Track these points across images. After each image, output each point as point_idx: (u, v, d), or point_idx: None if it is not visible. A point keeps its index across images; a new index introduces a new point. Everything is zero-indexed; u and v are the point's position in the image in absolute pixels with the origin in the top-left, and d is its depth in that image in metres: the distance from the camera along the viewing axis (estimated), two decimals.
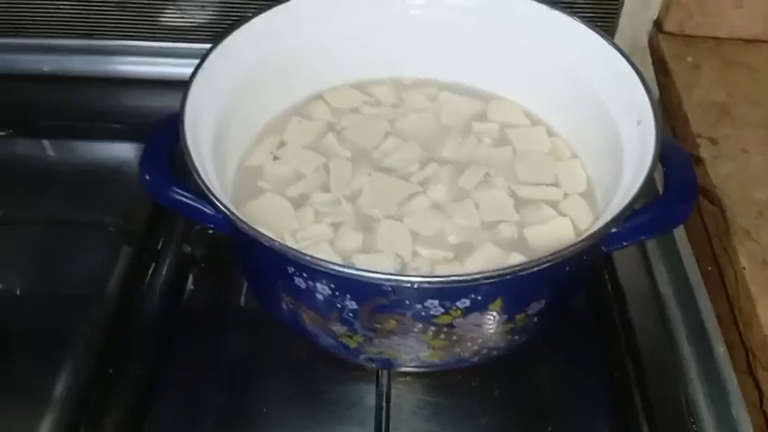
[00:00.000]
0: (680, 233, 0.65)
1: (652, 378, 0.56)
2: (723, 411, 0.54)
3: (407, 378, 0.56)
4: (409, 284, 0.41)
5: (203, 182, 0.44)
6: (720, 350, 0.57)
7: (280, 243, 0.41)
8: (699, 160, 0.64)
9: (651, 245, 0.64)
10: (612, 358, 0.58)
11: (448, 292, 0.42)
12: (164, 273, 0.62)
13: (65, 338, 0.57)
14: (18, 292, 0.61)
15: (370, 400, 0.54)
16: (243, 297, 0.62)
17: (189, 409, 0.55)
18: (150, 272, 0.62)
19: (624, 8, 0.72)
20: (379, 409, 0.53)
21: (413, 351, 0.48)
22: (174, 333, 0.60)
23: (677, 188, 0.49)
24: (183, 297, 0.62)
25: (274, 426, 0.54)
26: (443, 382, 0.56)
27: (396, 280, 0.40)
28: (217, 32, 0.67)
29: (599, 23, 0.73)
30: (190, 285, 0.63)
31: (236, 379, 0.57)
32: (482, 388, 0.56)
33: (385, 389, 0.54)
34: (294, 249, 0.41)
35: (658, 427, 0.53)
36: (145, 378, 0.57)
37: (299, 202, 0.55)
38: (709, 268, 0.62)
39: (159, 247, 0.64)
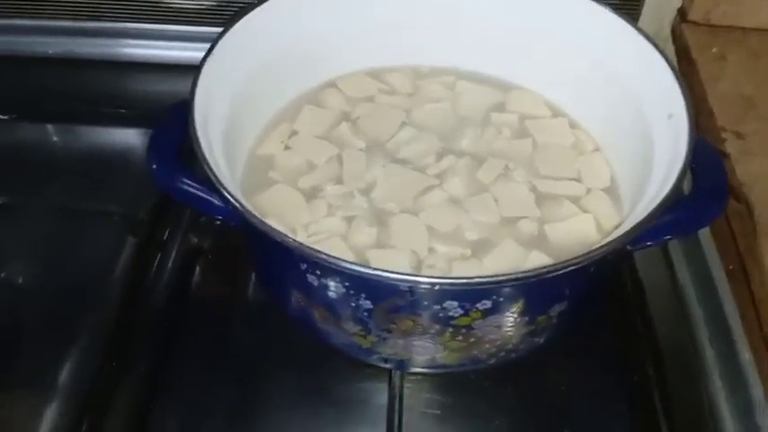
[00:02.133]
0: (703, 231, 0.63)
1: (673, 380, 0.55)
2: (746, 417, 0.53)
3: (420, 377, 0.55)
4: (429, 285, 0.39)
5: (214, 174, 0.42)
6: (746, 355, 0.55)
7: (293, 239, 0.40)
8: (724, 155, 0.62)
9: (673, 243, 0.63)
10: (631, 359, 0.57)
11: (468, 293, 0.40)
12: (170, 263, 0.61)
13: (69, 329, 0.56)
14: (21, 281, 0.60)
15: (382, 398, 0.53)
16: (251, 289, 0.61)
17: (195, 402, 0.54)
18: (156, 262, 0.61)
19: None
20: (391, 408, 0.52)
21: (428, 352, 0.46)
22: (180, 325, 0.58)
23: (707, 189, 0.48)
24: (190, 288, 0.61)
25: (283, 422, 0.53)
26: (456, 382, 0.55)
27: (414, 281, 0.39)
28: (226, 16, 0.65)
29: (622, 11, 0.71)
30: (196, 276, 0.62)
31: (243, 373, 0.56)
32: (495, 389, 0.55)
33: (397, 388, 0.53)
34: (308, 246, 0.39)
35: (678, 430, 0.52)
36: (150, 370, 0.56)
37: (311, 194, 0.53)
38: (732, 267, 0.60)
39: (165, 237, 0.62)
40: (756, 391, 0.53)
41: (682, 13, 0.75)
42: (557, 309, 0.45)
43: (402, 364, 0.50)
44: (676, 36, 0.75)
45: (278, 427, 0.53)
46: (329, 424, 0.53)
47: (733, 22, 0.74)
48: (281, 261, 0.45)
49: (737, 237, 0.59)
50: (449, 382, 0.55)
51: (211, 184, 0.44)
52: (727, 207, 0.60)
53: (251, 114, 0.55)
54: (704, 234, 0.63)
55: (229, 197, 0.41)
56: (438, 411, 0.54)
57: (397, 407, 0.51)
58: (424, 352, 0.46)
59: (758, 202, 0.58)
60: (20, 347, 0.56)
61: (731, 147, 0.62)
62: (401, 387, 0.53)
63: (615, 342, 0.58)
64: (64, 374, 0.54)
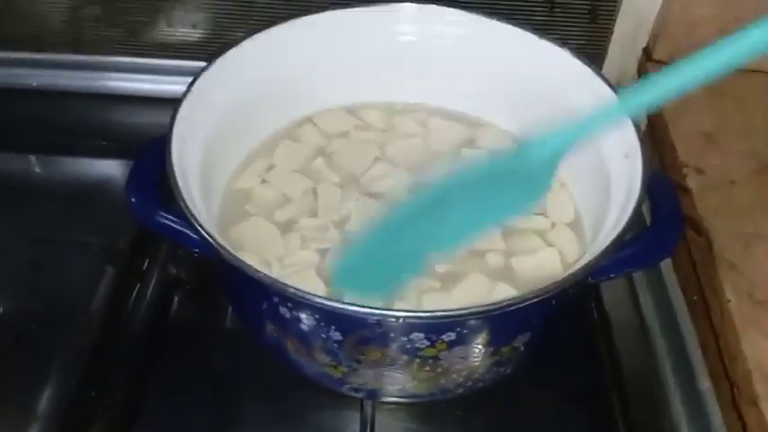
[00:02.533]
0: (666, 263, 0.65)
1: (636, 408, 0.56)
2: None
3: (392, 406, 0.56)
4: (395, 319, 0.40)
5: (188, 209, 0.44)
6: (705, 383, 0.57)
7: (264, 274, 0.41)
8: (686, 190, 0.64)
9: (637, 275, 0.65)
10: (597, 387, 0.58)
11: (434, 325, 0.42)
12: (149, 293, 0.62)
13: (47, 358, 0.57)
14: (0, 311, 0.61)
15: (355, 427, 0.54)
16: (228, 319, 0.62)
17: (171, 428, 0.55)
18: (135, 292, 0.62)
19: (614, 36, 0.73)
20: None
21: (398, 382, 0.47)
22: (158, 354, 0.59)
23: (663, 222, 0.50)
24: (168, 318, 0.62)
25: None
26: (428, 410, 0.56)
27: (381, 314, 0.40)
28: (209, 50, 0.67)
29: (589, 50, 0.74)
30: (175, 306, 0.63)
31: (219, 401, 0.57)
32: (466, 417, 0.56)
33: (369, 417, 0.54)
34: (278, 281, 0.41)
35: None
36: (128, 399, 0.56)
37: (285, 227, 0.55)
38: (695, 297, 0.62)
39: (144, 267, 0.63)
40: (716, 417, 0.55)
41: (647, 53, 0.78)
42: (521, 339, 0.46)
43: (373, 394, 0.51)
44: (642, 74, 0.78)
45: None
46: None
47: None
48: (254, 294, 0.47)
49: (698, 269, 0.62)
50: (421, 411, 0.56)
51: (187, 219, 0.46)
52: (685, 239, 0.62)
53: (229, 149, 0.56)
54: (667, 267, 0.65)
55: (203, 232, 0.43)
56: None
57: None
58: (394, 382, 0.47)
59: (717, 235, 0.60)
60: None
61: (692, 182, 0.65)
62: (373, 416, 0.54)
63: (582, 371, 0.59)
64: (42, 402, 0.54)
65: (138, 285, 0.62)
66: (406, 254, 0.42)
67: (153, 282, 0.62)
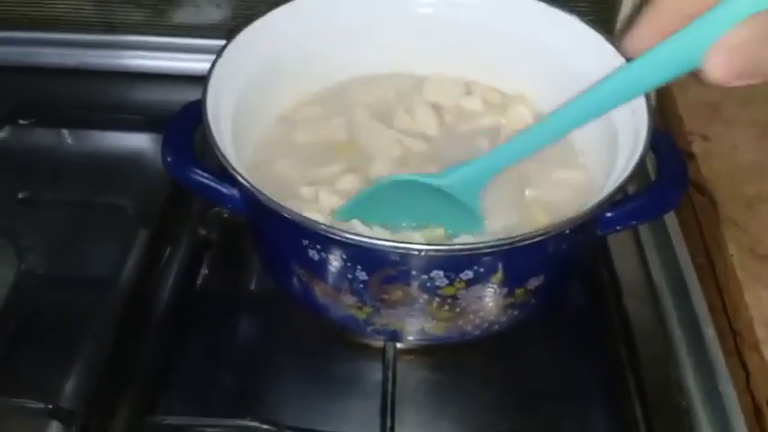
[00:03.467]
0: (673, 224, 0.68)
1: (644, 360, 0.58)
2: (711, 389, 0.57)
3: (412, 356, 0.59)
4: (417, 252, 0.43)
5: (222, 153, 0.46)
6: (709, 332, 0.60)
7: (296, 213, 0.44)
8: (692, 156, 0.67)
9: (645, 235, 0.67)
10: (607, 342, 0.60)
11: (453, 260, 0.45)
12: (179, 256, 0.64)
13: (82, 319, 0.59)
14: (40, 272, 0.64)
15: (377, 375, 0.56)
16: (255, 280, 0.65)
17: (202, 390, 0.58)
18: (166, 254, 0.64)
19: (622, 11, 0.76)
20: (385, 382, 0.55)
21: (418, 322, 0.50)
22: (188, 315, 0.62)
23: (668, 176, 0.52)
24: (198, 280, 0.65)
25: (284, 401, 0.57)
26: (446, 360, 0.59)
27: (404, 248, 0.43)
28: (231, 29, 0.70)
29: (598, 25, 0.76)
30: (204, 269, 0.65)
31: (248, 359, 0.60)
32: (483, 367, 0.59)
33: (391, 364, 0.56)
34: (310, 219, 0.44)
35: (650, 405, 0.55)
36: (159, 359, 0.59)
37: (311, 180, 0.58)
38: (702, 260, 0.65)
39: (176, 230, 0.66)
40: (720, 365, 0.58)
41: None
42: (534, 283, 0.49)
43: (395, 335, 0.54)
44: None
45: (281, 403, 0.56)
46: (328, 399, 0.57)
47: None
48: (284, 239, 0.50)
49: (703, 228, 0.64)
50: (439, 360, 0.59)
51: (221, 173, 0.49)
52: (691, 201, 0.65)
53: (257, 110, 0.59)
54: (674, 228, 0.68)
55: (237, 175, 0.46)
56: (429, 388, 0.57)
57: (391, 378, 0.55)
58: (415, 323, 0.50)
59: (720, 196, 0.63)
60: (35, 336, 0.59)
61: (697, 148, 0.68)
62: (394, 364, 0.56)
63: (593, 327, 0.62)
64: (76, 364, 0.56)
65: (170, 247, 0.65)
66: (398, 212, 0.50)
67: (184, 244, 0.65)
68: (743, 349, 0.56)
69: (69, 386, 0.55)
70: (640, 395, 0.56)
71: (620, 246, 0.65)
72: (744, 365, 0.56)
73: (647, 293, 0.63)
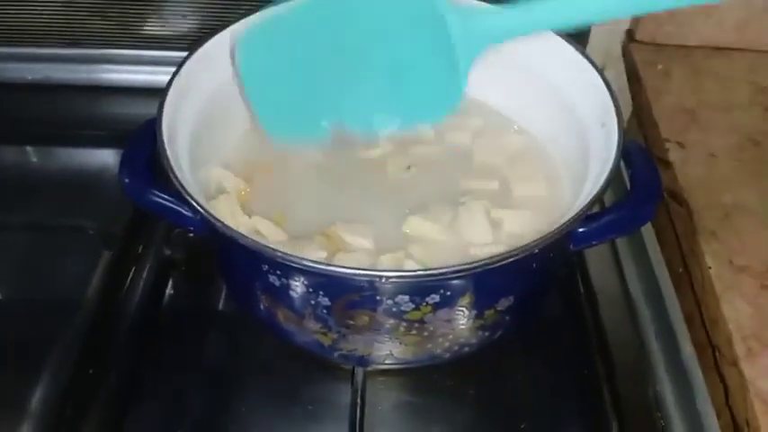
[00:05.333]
0: (650, 235, 0.66)
1: (621, 375, 0.57)
2: (689, 406, 0.56)
3: (382, 378, 0.57)
4: (379, 279, 0.42)
5: (178, 180, 0.45)
6: (687, 348, 0.58)
7: (253, 241, 0.42)
8: (668, 164, 0.66)
9: (622, 247, 0.66)
10: (584, 356, 0.59)
11: (417, 287, 0.43)
12: (144, 276, 0.63)
13: (45, 342, 0.58)
14: (1, 297, 0.62)
15: (346, 398, 0.55)
16: (222, 300, 0.63)
17: (169, 410, 0.56)
18: (131, 275, 0.63)
19: None
20: (353, 406, 0.54)
21: (386, 347, 0.49)
22: (153, 336, 0.60)
23: (641, 189, 0.51)
24: (163, 300, 0.63)
25: (253, 424, 0.55)
26: (418, 381, 0.57)
27: (367, 275, 0.42)
28: (194, 39, 0.68)
29: (574, 32, 0.75)
30: (170, 289, 0.64)
31: (215, 380, 0.58)
32: (456, 387, 0.57)
33: (360, 387, 0.55)
34: (268, 246, 0.42)
35: (627, 422, 0.54)
36: (124, 381, 0.57)
37: None
38: (680, 270, 0.63)
39: (140, 250, 0.64)
40: (698, 381, 0.57)
41: (629, 34, 0.79)
42: (504, 303, 0.48)
43: (363, 361, 0.52)
44: (626, 55, 0.79)
45: (248, 426, 0.55)
46: (296, 423, 0.55)
47: (677, 41, 0.78)
48: (245, 265, 0.48)
49: (681, 239, 0.63)
50: (410, 381, 0.57)
51: (180, 195, 0.47)
52: (668, 210, 0.64)
53: (214, 131, 0.58)
54: (651, 239, 0.66)
55: (194, 203, 0.44)
56: (401, 410, 0.56)
57: (359, 404, 0.54)
58: (382, 347, 0.49)
59: (697, 205, 0.62)
60: (4, 357, 0.57)
61: (674, 155, 0.66)
62: (364, 386, 0.55)
63: (569, 341, 0.61)
64: (39, 386, 0.55)
65: (134, 268, 0.63)
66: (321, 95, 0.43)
67: (148, 265, 0.63)
68: (722, 364, 0.55)
69: (33, 409, 0.54)
70: (617, 411, 0.55)
71: (596, 256, 0.64)
72: (722, 380, 0.55)
73: (624, 306, 0.62)
